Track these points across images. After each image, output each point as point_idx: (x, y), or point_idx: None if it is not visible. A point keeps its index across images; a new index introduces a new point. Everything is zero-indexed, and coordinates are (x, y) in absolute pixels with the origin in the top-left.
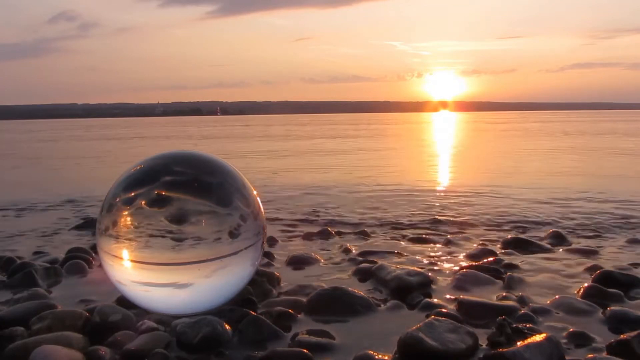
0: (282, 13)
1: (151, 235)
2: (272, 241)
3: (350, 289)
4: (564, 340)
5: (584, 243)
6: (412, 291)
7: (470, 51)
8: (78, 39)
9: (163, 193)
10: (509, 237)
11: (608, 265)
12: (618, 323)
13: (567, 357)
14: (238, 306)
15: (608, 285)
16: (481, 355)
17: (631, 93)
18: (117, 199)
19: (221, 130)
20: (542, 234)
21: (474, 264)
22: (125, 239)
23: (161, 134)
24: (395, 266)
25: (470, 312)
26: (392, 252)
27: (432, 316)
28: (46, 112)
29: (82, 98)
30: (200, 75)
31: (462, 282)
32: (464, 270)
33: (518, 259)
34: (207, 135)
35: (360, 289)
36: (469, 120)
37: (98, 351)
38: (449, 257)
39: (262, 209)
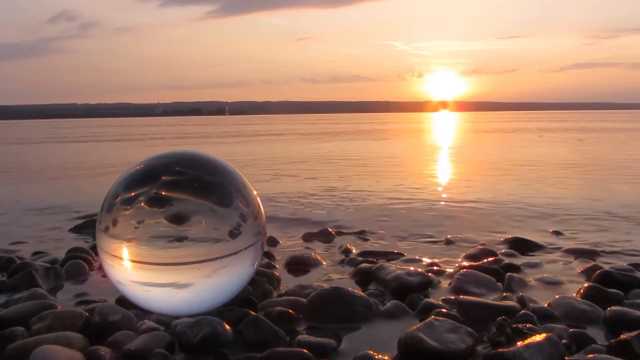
0: (282, 13)
1: (151, 235)
2: (272, 241)
3: (350, 289)
4: (564, 340)
5: (584, 243)
6: (412, 291)
7: (471, 51)
8: (78, 39)
9: (163, 193)
10: (509, 237)
11: (608, 266)
12: (618, 323)
13: (567, 357)
14: (238, 306)
15: (608, 285)
16: (481, 356)
17: (632, 93)
18: (118, 199)
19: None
20: (542, 234)
21: (474, 264)
22: (125, 239)
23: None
24: (395, 266)
25: (470, 312)
26: (392, 252)
27: (432, 316)
28: (46, 112)
29: (82, 98)
30: (200, 75)
31: (462, 282)
32: (464, 270)
33: (518, 259)
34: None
35: (360, 289)
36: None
37: (98, 351)
38: (449, 257)
39: (262, 209)
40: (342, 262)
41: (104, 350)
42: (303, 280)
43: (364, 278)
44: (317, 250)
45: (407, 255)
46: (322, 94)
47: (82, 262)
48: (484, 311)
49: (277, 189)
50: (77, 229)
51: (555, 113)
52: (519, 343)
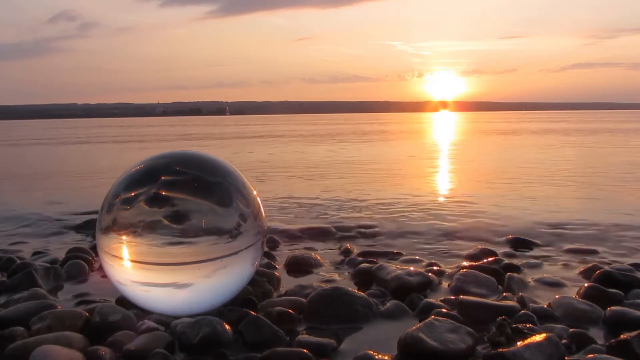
0: (282, 13)
1: (151, 235)
2: (272, 242)
3: (350, 289)
4: (564, 340)
5: (584, 243)
6: (412, 291)
7: (471, 51)
8: (78, 39)
9: (163, 193)
10: (509, 237)
11: (608, 266)
12: (618, 323)
13: (567, 357)
14: (238, 306)
15: (608, 285)
16: (481, 356)
17: (632, 93)
18: (118, 199)
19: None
20: (542, 235)
21: (474, 264)
22: (125, 239)
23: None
24: (395, 266)
25: (470, 312)
26: (392, 252)
27: (432, 316)
28: (46, 112)
29: (82, 98)
30: (201, 75)
31: (462, 282)
32: (464, 270)
33: (518, 259)
34: None
35: (360, 289)
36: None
37: (98, 351)
38: (449, 257)
39: (262, 209)
40: (342, 263)
41: (104, 350)
42: (303, 280)
43: (364, 278)
44: (317, 251)
45: (407, 255)
46: (322, 94)
47: (82, 262)
48: (484, 311)
49: (277, 189)
50: (77, 229)
51: (555, 113)
52: (519, 343)
